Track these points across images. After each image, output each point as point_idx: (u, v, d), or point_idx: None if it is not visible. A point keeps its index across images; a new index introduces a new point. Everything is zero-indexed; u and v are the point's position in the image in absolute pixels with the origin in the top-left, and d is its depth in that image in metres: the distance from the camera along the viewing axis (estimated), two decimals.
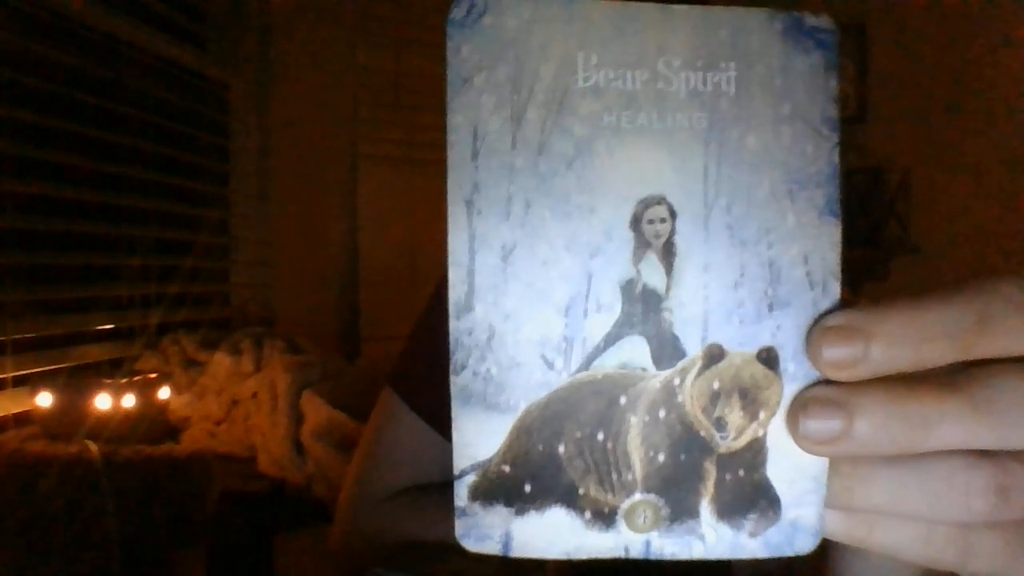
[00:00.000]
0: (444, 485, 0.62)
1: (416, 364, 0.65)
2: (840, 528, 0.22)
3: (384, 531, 0.61)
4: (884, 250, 2.10)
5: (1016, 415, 0.20)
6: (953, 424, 0.20)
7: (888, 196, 2.10)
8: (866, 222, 2.08)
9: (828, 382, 0.21)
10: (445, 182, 0.21)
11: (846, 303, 0.21)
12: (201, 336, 1.29)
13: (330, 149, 1.70)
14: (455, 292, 0.21)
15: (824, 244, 0.21)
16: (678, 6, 0.21)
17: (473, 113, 0.21)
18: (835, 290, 0.21)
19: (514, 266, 0.21)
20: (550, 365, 0.21)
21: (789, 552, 0.21)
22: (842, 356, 0.20)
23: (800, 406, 0.21)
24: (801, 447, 0.21)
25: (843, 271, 0.22)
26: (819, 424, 0.20)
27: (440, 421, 0.62)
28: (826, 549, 0.22)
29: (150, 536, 0.83)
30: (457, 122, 0.21)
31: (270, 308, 1.61)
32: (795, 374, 0.21)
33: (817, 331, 0.21)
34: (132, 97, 1.27)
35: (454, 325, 0.21)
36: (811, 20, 0.22)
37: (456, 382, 0.21)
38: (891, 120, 2.10)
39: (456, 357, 0.21)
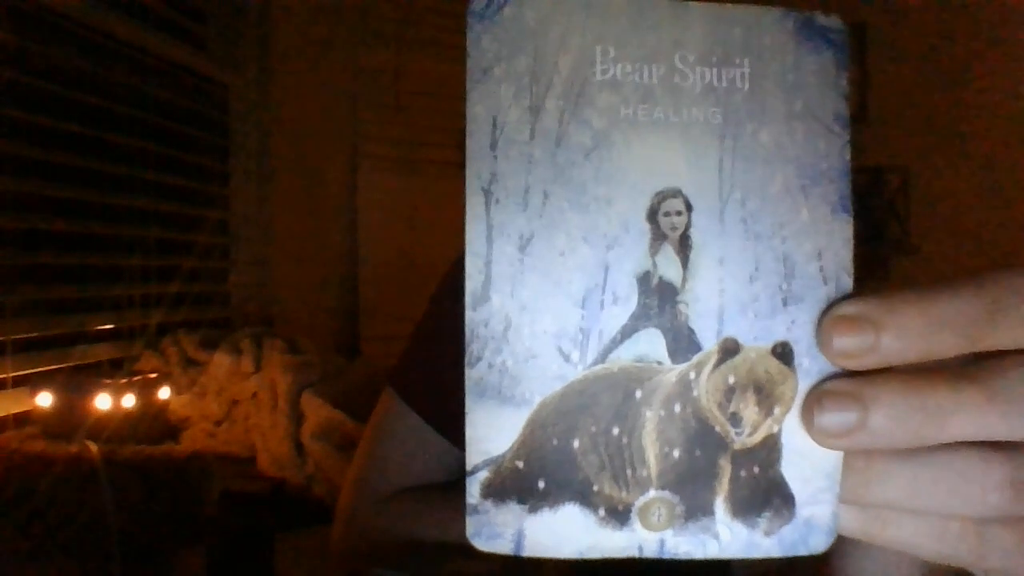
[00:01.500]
0: (445, 485, 0.62)
1: (417, 364, 0.65)
2: (854, 525, 0.21)
3: (385, 531, 0.61)
4: (884, 250, 2.10)
5: None
6: (968, 415, 0.20)
7: (888, 196, 2.10)
8: (866, 222, 2.08)
9: (843, 375, 0.21)
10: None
11: None
12: (201, 336, 1.29)
13: (330, 149, 1.70)
14: (472, 282, 0.21)
15: (837, 240, 0.21)
16: (693, 3, 0.22)
17: (492, 103, 0.21)
18: (848, 285, 0.21)
19: (531, 256, 0.21)
20: (566, 357, 0.21)
21: (803, 551, 0.21)
22: (852, 345, 0.20)
23: (815, 399, 0.21)
24: (816, 440, 0.21)
25: None
26: (834, 417, 0.20)
27: (441, 421, 0.62)
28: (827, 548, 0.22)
29: (150, 536, 0.83)
30: (476, 112, 0.21)
31: (270, 308, 1.61)
32: (809, 369, 0.21)
33: (828, 320, 0.21)
34: (132, 97, 1.27)
35: (470, 316, 0.21)
36: (821, 20, 0.22)
37: (471, 375, 0.21)
38: (891, 120, 2.10)
39: (472, 348, 0.21)
